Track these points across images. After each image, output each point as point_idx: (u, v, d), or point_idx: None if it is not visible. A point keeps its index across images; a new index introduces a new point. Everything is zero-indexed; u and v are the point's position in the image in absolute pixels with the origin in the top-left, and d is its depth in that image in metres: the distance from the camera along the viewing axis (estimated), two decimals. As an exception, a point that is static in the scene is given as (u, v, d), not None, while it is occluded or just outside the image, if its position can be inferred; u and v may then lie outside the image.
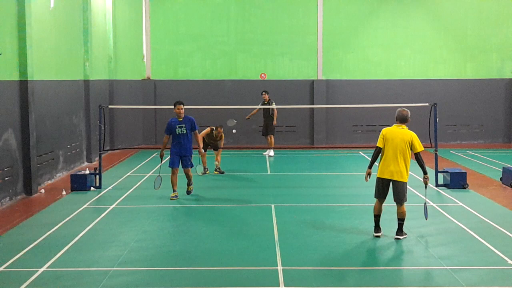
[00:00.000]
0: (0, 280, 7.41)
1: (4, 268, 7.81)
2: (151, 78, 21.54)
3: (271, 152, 18.36)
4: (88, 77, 17.12)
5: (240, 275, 7.59)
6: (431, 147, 13.49)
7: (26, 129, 12.44)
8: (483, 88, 21.69)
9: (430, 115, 13.38)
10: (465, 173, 13.18)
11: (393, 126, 9.30)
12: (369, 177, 9.41)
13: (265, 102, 18.15)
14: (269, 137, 18.43)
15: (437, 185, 13.18)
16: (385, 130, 9.25)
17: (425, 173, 9.15)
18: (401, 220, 9.16)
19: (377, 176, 9.21)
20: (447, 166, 15.42)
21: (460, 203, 11.57)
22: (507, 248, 8.57)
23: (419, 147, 9.02)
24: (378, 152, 9.18)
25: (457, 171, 13.26)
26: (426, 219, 9.51)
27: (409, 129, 9.26)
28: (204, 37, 21.47)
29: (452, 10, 21.58)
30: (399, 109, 9.38)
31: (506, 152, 19.58)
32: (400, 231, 9.19)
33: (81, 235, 9.37)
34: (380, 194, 9.24)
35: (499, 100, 21.74)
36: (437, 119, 13.40)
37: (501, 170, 13.95)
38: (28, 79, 12.48)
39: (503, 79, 21.67)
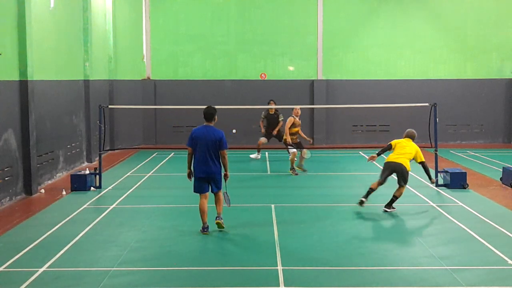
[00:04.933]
0: (0, 280, 7.41)
1: (4, 268, 7.81)
2: (151, 78, 21.54)
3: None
4: (88, 77, 17.12)
5: (240, 275, 7.59)
6: (431, 147, 13.49)
7: (26, 129, 12.43)
8: (483, 88, 21.69)
9: (430, 115, 13.37)
10: (465, 173, 13.18)
11: (404, 139, 11.50)
12: (373, 160, 11.76)
13: (271, 113, 17.32)
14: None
15: (437, 185, 13.17)
16: (396, 141, 11.54)
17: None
18: (395, 197, 11.03)
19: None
20: (447, 166, 15.41)
21: (460, 203, 11.57)
22: (507, 248, 8.57)
23: (420, 158, 11.28)
24: (388, 148, 11.52)
25: (457, 171, 13.26)
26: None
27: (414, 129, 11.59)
28: (204, 37, 21.47)
29: (452, 10, 21.58)
30: (410, 129, 11.66)
31: (506, 152, 19.57)
32: (390, 205, 10.99)
33: (81, 235, 9.37)
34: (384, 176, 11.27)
35: (499, 100, 21.74)
36: (437, 119, 13.39)
37: (501, 170, 13.95)
38: (28, 79, 12.48)
39: (503, 79, 21.67)
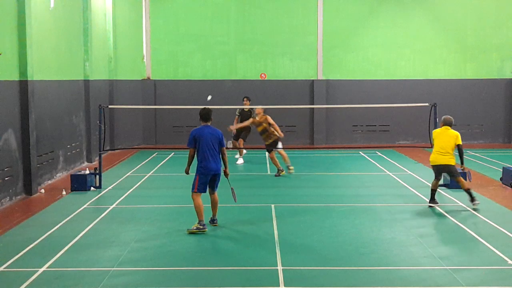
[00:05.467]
0: (0, 280, 7.41)
1: (4, 268, 7.81)
2: (151, 78, 21.55)
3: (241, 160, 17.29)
4: (88, 77, 17.12)
5: (240, 275, 7.59)
6: (431, 147, 13.46)
7: (26, 129, 12.43)
8: (483, 88, 21.69)
9: (430, 115, 13.38)
10: (465, 173, 13.15)
11: (441, 128, 11.39)
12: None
13: (246, 110, 16.89)
14: (240, 140, 17.05)
15: (437, 185, 13.15)
16: (435, 131, 11.58)
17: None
18: (468, 190, 11.17)
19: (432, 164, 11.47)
20: (447, 166, 15.37)
21: (460, 203, 11.57)
22: (507, 248, 8.57)
23: (460, 141, 11.26)
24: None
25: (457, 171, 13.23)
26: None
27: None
28: (204, 37, 21.48)
29: (452, 10, 21.58)
30: (446, 116, 11.50)
31: (506, 152, 19.58)
32: (471, 196, 11.08)
33: (81, 235, 9.37)
34: (436, 175, 11.44)
35: (499, 100, 21.74)
36: (437, 119, 13.38)
37: (501, 170, 13.95)
38: (28, 79, 12.48)
39: (503, 79, 21.67)
